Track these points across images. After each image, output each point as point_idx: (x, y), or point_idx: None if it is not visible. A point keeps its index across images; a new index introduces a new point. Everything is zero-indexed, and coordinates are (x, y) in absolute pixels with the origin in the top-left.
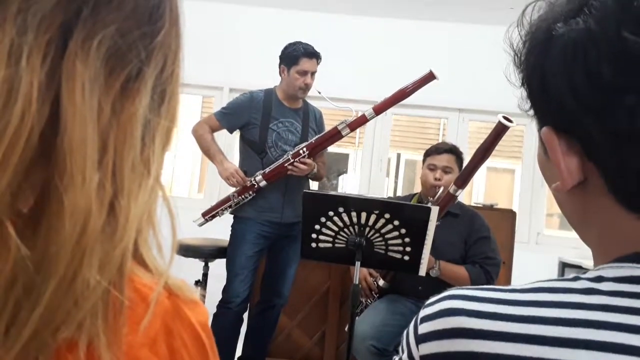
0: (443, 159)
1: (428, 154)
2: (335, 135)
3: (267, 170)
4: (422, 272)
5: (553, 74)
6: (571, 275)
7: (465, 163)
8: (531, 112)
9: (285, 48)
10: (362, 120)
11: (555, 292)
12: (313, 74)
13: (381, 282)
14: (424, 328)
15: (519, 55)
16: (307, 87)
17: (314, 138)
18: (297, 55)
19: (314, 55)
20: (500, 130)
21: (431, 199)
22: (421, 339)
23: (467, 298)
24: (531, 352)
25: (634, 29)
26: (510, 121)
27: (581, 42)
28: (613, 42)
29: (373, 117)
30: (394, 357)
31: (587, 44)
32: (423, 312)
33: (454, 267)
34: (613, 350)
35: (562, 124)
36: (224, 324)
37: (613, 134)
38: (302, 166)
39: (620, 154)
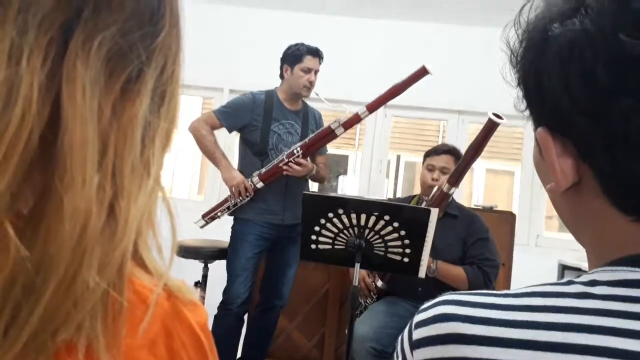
0: (441, 160)
1: (427, 154)
2: (329, 135)
3: (263, 170)
4: (422, 274)
5: (549, 75)
6: (565, 280)
7: None
8: (527, 112)
9: (288, 48)
10: (355, 119)
11: (549, 297)
12: (316, 72)
13: (379, 283)
14: (418, 334)
15: (515, 54)
16: (311, 85)
17: (308, 137)
18: (300, 54)
19: (317, 54)
20: (490, 127)
21: (426, 198)
22: (415, 344)
23: (461, 303)
24: (524, 357)
25: (631, 30)
26: (500, 118)
27: (577, 43)
28: (609, 43)
29: (366, 116)
30: None
31: (583, 45)
32: (417, 318)
33: (451, 268)
34: (607, 354)
35: (557, 125)
36: (226, 325)
37: (607, 136)
38: (296, 167)
39: (615, 157)
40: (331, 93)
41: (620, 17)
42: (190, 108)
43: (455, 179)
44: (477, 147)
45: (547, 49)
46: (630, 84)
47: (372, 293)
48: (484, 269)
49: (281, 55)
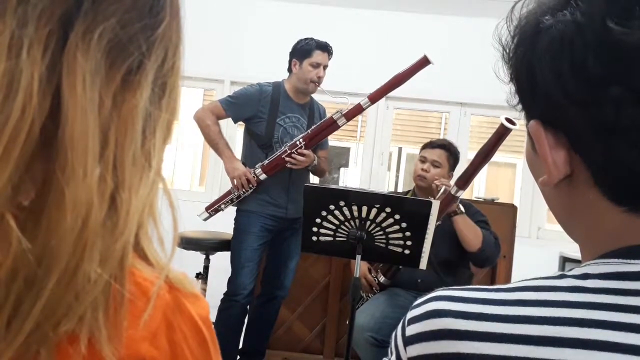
0: (434, 154)
1: (423, 147)
2: (331, 126)
3: (266, 162)
4: (423, 265)
5: (540, 67)
6: (557, 273)
7: (461, 160)
8: (519, 106)
9: (298, 43)
10: (357, 109)
11: (541, 291)
12: (325, 67)
13: (382, 279)
14: (411, 330)
15: (507, 50)
16: (319, 81)
17: (311, 129)
18: (310, 49)
19: (327, 49)
20: (502, 133)
21: (432, 199)
22: (409, 341)
23: (453, 299)
24: (517, 352)
25: (619, 19)
26: (513, 123)
27: (568, 33)
28: (598, 32)
29: (369, 106)
30: (383, 359)
31: (574, 36)
32: (410, 314)
33: (472, 222)
34: (599, 348)
35: (549, 116)
36: (231, 316)
37: (599, 126)
38: (300, 157)
39: (606, 147)
40: (330, 85)
41: (609, 5)
42: (191, 100)
43: (464, 182)
44: (487, 152)
45: (539, 42)
46: (620, 73)
47: (374, 288)
48: (496, 239)
49: (290, 50)
